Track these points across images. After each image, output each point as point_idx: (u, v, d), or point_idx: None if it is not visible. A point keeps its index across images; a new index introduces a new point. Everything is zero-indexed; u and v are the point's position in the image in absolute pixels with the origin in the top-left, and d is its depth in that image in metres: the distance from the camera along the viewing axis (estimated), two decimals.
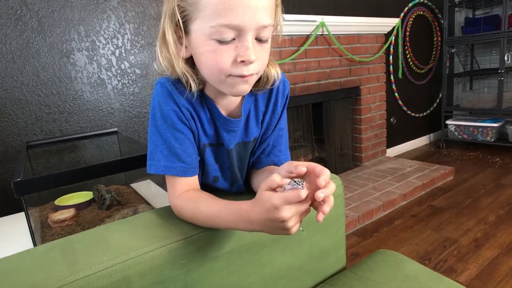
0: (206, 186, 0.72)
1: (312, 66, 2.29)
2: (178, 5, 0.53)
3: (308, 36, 2.19)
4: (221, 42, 0.52)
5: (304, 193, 0.45)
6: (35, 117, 1.41)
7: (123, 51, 1.60)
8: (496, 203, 2.06)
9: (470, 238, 1.70)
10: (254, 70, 0.55)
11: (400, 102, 3.09)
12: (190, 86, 0.59)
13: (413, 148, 3.35)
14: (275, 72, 0.65)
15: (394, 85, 2.99)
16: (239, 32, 0.52)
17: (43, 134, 1.44)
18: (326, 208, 0.46)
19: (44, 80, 1.42)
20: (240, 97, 0.66)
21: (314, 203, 0.48)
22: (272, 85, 0.67)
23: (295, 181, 0.46)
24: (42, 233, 0.99)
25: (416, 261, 0.85)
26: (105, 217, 1.03)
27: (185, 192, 0.62)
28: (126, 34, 1.60)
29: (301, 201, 0.46)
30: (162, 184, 1.34)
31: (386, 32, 2.69)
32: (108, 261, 0.51)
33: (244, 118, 0.67)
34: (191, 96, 0.61)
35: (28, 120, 1.40)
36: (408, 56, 3.06)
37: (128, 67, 1.62)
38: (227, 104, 0.66)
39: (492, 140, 3.02)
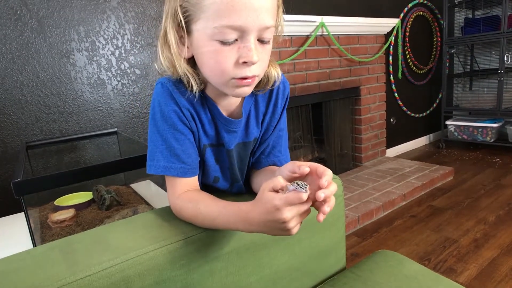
0: (206, 186, 0.72)
1: (312, 67, 2.29)
2: (180, 5, 0.53)
3: (308, 37, 2.19)
4: (223, 43, 0.52)
5: (305, 195, 0.45)
6: (35, 118, 1.41)
7: (123, 51, 1.60)
8: (496, 204, 2.06)
9: (470, 238, 1.71)
10: (256, 72, 0.55)
11: (400, 102, 3.09)
12: (192, 86, 0.59)
13: (413, 149, 3.35)
14: (276, 73, 0.65)
15: (394, 85, 2.99)
16: (242, 33, 0.52)
17: (42, 134, 1.44)
18: (327, 208, 0.46)
19: (44, 81, 1.42)
20: (240, 98, 0.66)
21: (315, 203, 0.48)
22: (272, 85, 0.67)
23: (298, 184, 0.46)
24: (41, 233, 0.99)
25: (416, 261, 0.85)
26: (105, 218, 1.03)
27: (185, 193, 0.62)
28: (126, 34, 1.60)
29: (302, 202, 0.46)
30: (162, 185, 1.34)
31: (386, 33, 2.69)
32: (108, 262, 0.51)
33: (244, 119, 0.67)
34: (192, 97, 0.61)
35: (28, 121, 1.40)
36: (408, 56, 3.06)
37: (128, 68, 1.62)
38: (228, 105, 0.66)
39: (492, 140, 3.02)
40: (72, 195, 1.22)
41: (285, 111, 0.72)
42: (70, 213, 1.05)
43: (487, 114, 3.08)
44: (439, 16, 3.26)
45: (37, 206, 1.20)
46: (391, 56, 2.89)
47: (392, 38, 2.82)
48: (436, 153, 3.18)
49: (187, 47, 0.57)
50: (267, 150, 0.72)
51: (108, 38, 1.56)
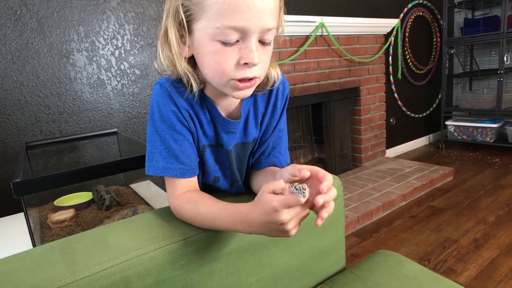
0: (206, 186, 0.72)
1: (312, 67, 2.29)
2: (182, 4, 0.53)
3: (307, 37, 2.19)
4: (224, 43, 0.52)
5: (303, 199, 0.45)
6: (34, 118, 1.41)
7: (122, 51, 1.60)
8: (496, 204, 2.06)
9: (469, 238, 1.71)
10: (256, 73, 0.55)
11: (399, 102, 3.10)
12: (191, 86, 0.59)
13: (412, 149, 3.35)
14: (275, 73, 0.65)
15: (393, 85, 2.99)
16: (244, 34, 0.52)
17: (42, 134, 1.44)
18: (325, 213, 0.46)
19: (43, 81, 1.42)
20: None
21: (315, 208, 0.48)
22: (272, 86, 0.67)
23: (296, 188, 0.46)
24: (41, 233, 0.99)
25: (415, 261, 0.85)
26: (105, 218, 1.03)
27: (185, 193, 0.62)
28: (126, 34, 1.60)
29: (301, 205, 0.46)
30: (162, 185, 1.34)
31: (386, 33, 2.69)
32: (108, 262, 0.51)
33: (243, 120, 0.67)
34: (191, 97, 0.60)
35: (27, 121, 1.40)
36: (408, 57, 3.06)
37: (127, 68, 1.62)
38: (227, 105, 0.66)
39: (492, 140, 3.02)
40: (72, 195, 1.22)
41: (284, 112, 0.72)
42: (69, 213, 1.05)
43: (486, 114, 3.09)
44: (439, 17, 3.26)
45: (36, 206, 1.20)
46: (390, 57, 2.89)
47: (392, 38, 2.82)
48: (436, 153, 3.18)
49: (188, 47, 0.57)
50: (267, 151, 0.72)
51: (108, 38, 1.56)
